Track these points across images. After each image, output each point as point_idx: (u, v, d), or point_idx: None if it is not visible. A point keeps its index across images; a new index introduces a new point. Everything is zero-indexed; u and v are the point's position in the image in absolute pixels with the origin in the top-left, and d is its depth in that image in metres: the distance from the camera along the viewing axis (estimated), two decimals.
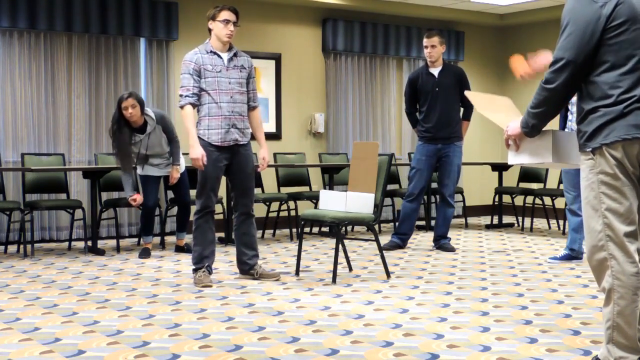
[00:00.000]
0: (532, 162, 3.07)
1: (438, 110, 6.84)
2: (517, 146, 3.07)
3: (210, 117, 5.14)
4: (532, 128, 2.96)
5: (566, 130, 5.96)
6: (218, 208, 7.86)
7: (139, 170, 6.62)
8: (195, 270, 5.23)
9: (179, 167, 6.64)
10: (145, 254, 6.53)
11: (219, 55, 5.17)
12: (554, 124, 3.06)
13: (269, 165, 7.75)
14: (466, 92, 3.68)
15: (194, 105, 5.12)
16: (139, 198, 6.51)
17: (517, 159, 3.09)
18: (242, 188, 5.31)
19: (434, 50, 6.83)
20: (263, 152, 5.32)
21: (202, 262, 5.22)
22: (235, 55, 5.23)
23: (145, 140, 6.44)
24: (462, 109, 7.01)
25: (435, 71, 6.88)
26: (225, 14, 5.17)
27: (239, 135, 5.21)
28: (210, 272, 5.25)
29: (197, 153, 5.04)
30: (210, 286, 5.11)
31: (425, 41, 6.88)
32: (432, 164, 6.95)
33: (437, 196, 7.54)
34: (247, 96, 5.28)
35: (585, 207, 2.87)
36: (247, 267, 5.40)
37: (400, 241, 7.00)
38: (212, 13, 5.20)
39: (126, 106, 6.25)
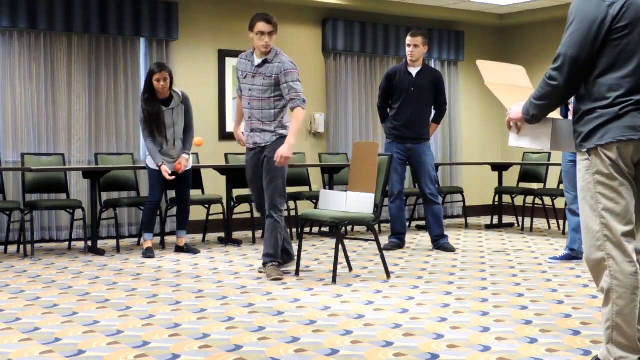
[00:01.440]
0: (532, 147, 3.10)
1: (410, 109, 6.87)
2: (518, 129, 3.08)
3: (244, 119, 5.63)
4: (533, 117, 2.97)
5: None
6: (218, 208, 7.88)
7: (149, 164, 6.63)
8: (264, 265, 5.51)
9: (188, 157, 6.70)
10: (149, 252, 6.52)
11: (252, 62, 5.45)
12: (556, 112, 3.07)
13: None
14: (478, 61, 3.57)
15: (241, 98, 5.64)
16: (168, 170, 6.58)
17: (518, 143, 3.13)
18: (264, 188, 5.48)
19: (416, 49, 6.84)
20: (282, 146, 5.40)
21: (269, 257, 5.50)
22: (266, 61, 5.40)
23: (170, 113, 6.60)
24: (433, 112, 7.07)
25: (413, 71, 6.90)
26: (260, 26, 5.36)
27: (259, 138, 5.47)
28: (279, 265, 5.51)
29: (237, 137, 5.82)
30: (280, 279, 5.33)
31: (408, 39, 6.89)
32: (404, 162, 6.99)
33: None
34: (276, 101, 5.43)
35: (583, 208, 2.87)
36: (262, 262, 5.60)
37: (399, 240, 7.02)
38: (250, 24, 5.42)
39: (159, 78, 6.49)
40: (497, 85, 3.40)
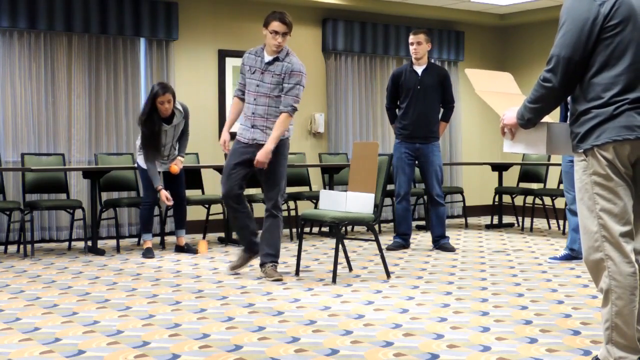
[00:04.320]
0: (527, 152, 3.10)
1: (418, 108, 6.87)
2: (512, 135, 3.07)
3: (243, 113, 5.56)
4: (528, 121, 2.95)
5: None
6: (218, 208, 7.88)
7: (141, 163, 6.62)
8: (262, 264, 5.50)
9: (182, 159, 6.77)
10: (149, 253, 6.53)
11: (262, 59, 5.40)
12: (553, 115, 3.06)
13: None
14: (466, 70, 3.59)
15: (239, 98, 5.58)
16: (169, 196, 6.56)
17: (513, 148, 3.12)
18: (264, 186, 5.50)
19: (419, 47, 6.86)
20: (260, 151, 5.30)
21: (249, 247, 5.58)
22: (276, 60, 5.35)
23: (171, 131, 6.61)
24: (442, 110, 7.05)
25: (419, 69, 6.90)
26: (275, 25, 5.31)
27: (260, 135, 5.41)
28: (249, 253, 5.62)
29: (220, 139, 5.57)
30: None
31: (411, 38, 6.91)
32: (413, 162, 6.98)
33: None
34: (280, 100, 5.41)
35: (580, 208, 2.87)
36: (260, 262, 5.54)
37: (403, 241, 7.03)
38: (265, 20, 5.37)
39: (163, 101, 6.44)
40: (488, 92, 3.39)
